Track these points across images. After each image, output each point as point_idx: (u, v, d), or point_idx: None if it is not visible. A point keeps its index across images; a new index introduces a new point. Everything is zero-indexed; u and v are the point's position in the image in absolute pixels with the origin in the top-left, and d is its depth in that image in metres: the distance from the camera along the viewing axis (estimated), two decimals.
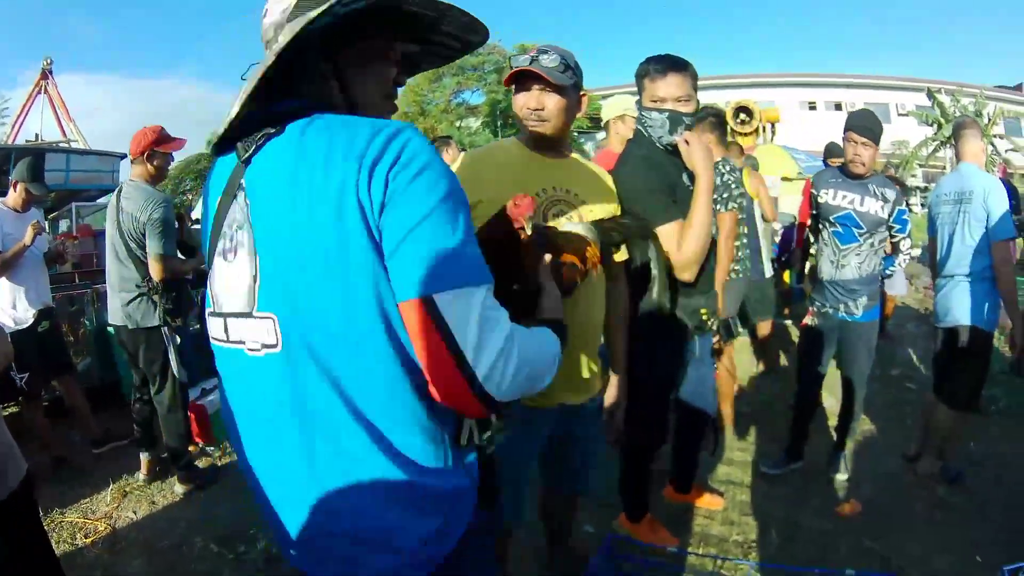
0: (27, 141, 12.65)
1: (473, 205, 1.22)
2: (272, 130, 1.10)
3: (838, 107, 30.63)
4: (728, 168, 3.77)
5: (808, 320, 3.81)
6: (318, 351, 1.04)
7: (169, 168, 4.21)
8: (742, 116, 7.88)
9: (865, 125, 3.46)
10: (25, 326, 4.21)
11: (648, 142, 2.64)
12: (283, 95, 1.15)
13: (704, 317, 2.82)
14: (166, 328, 3.91)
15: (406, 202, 1.00)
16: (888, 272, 3.92)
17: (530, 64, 2.04)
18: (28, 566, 2.13)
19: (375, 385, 1.05)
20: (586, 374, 2.18)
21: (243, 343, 1.12)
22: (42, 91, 15.09)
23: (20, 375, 4.19)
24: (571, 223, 1.63)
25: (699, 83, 2.59)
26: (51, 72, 15.27)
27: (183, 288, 4.14)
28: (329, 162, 1.01)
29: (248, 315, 1.10)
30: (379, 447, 1.06)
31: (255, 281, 1.09)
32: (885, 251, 3.71)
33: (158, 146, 3.91)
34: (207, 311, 1.22)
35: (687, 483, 3.51)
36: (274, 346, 1.07)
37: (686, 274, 2.49)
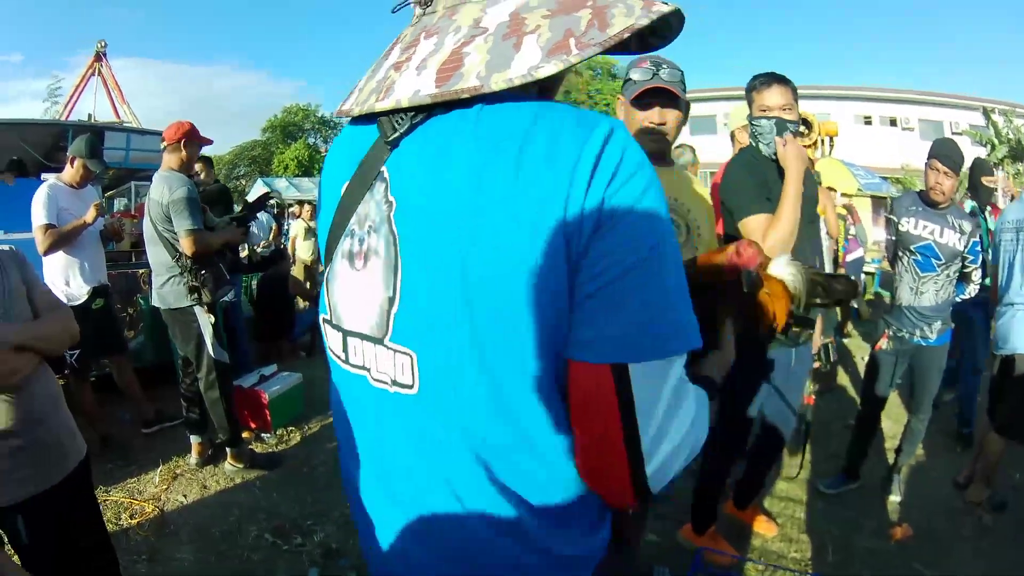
0: (79, 121, 12.83)
1: None
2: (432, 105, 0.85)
3: (893, 123, 30.09)
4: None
5: (883, 344, 3.86)
6: (465, 414, 0.84)
7: (195, 160, 4.21)
8: (801, 128, 7.71)
9: (948, 154, 3.53)
10: (78, 303, 4.20)
11: (753, 150, 2.82)
12: None
13: (797, 330, 2.76)
14: (198, 308, 3.87)
15: (624, 232, 0.77)
16: (959, 299, 3.96)
17: (652, 79, 2.08)
18: (84, 546, 2.13)
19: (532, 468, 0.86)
20: None
21: (367, 371, 0.93)
22: (96, 73, 15.33)
23: (70, 351, 4.17)
24: (781, 265, 1.38)
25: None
26: (105, 55, 15.50)
27: (214, 264, 4.08)
28: (522, 162, 0.77)
29: (378, 341, 0.90)
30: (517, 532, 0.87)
31: (392, 304, 0.87)
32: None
33: (191, 138, 3.95)
34: (322, 316, 1.02)
35: (748, 501, 3.48)
36: (409, 387, 0.87)
37: None
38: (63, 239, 4.10)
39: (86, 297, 4.27)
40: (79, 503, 2.13)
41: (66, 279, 4.21)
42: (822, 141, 10.62)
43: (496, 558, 0.88)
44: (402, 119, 0.87)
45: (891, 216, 3.86)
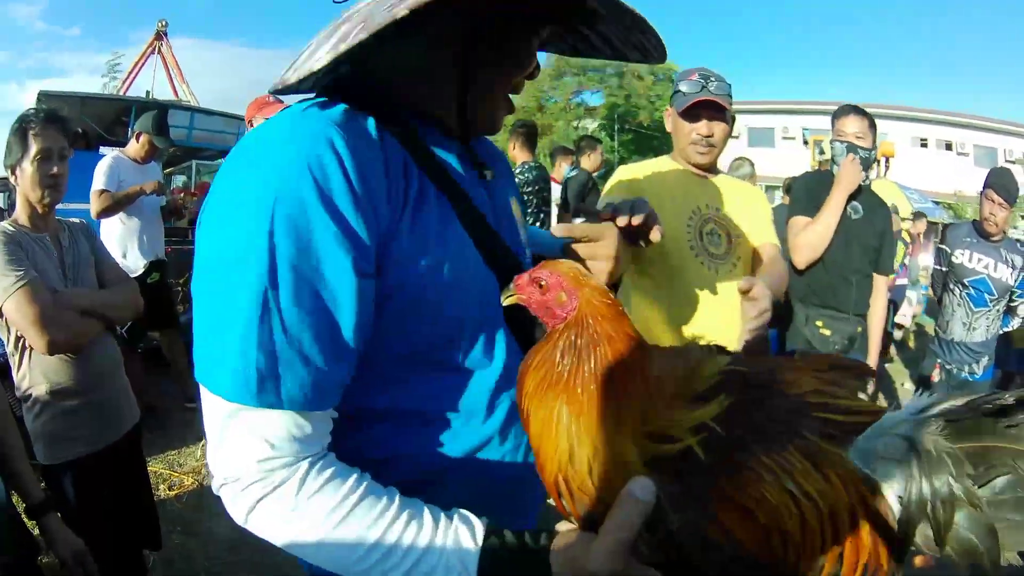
0: (148, 96, 13.08)
1: None
2: None
3: (948, 147, 29.46)
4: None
5: (936, 376, 3.82)
6: None
7: None
8: (872, 154, 7.60)
9: (1004, 184, 3.51)
10: (134, 275, 4.21)
11: (825, 172, 3.21)
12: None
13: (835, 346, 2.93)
14: None
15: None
16: (1003, 331, 3.91)
17: (700, 92, 2.11)
18: (131, 507, 2.22)
19: None
20: None
21: None
22: (155, 51, 15.60)
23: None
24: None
25: (811, 106, 3.70)
26: (166, 34, 15.80)
27: None
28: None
29: None
30: None
31: None
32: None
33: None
34: None
35: None
36: None
37: (797, 255, 2.92)
38: (116, 204, 4.17)
39: (143, 270, 4.35)
40: (129, 467, 2.22)
41: (124, 251, 4.28)
42: (878, 162, 10.49)
43: None
44: None
45: (944, 247, 3.83)
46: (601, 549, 0.66)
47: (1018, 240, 3.68)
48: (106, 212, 4.16)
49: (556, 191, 6.35)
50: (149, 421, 4.30)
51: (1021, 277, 3.57)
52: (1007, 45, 78.33)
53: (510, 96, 0.97)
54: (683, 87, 2.17)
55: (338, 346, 0.75)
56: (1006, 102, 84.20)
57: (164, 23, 16.00)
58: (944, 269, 3.80)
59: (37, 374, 1.98)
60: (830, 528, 0.64)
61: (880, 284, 3.13)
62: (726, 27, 77.59)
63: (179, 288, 5.15)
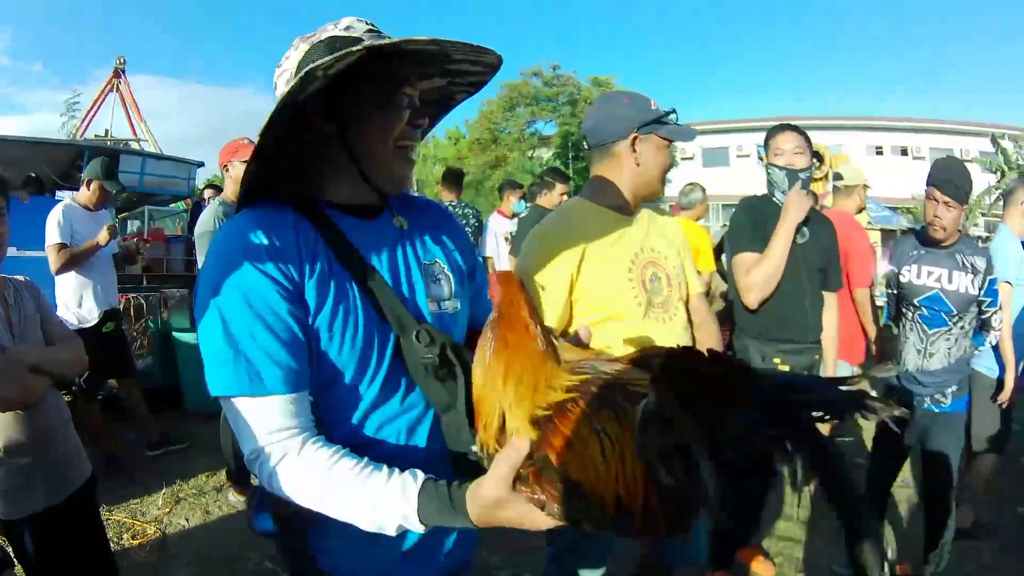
0: (96, 136, 12.97)
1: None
2: None
3: (904, 152, 30.15)
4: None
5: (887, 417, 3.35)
6: None
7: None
8: (813, 160, 7.73)
9: (949, 179, 2.92)
10: (89, 325, 4.25)
11: (763, 197, 2.96)
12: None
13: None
14: None
15: None
16: (979, 351, 3.42)
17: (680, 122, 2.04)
18: (88, 561, 2.19)
19: None
20: None
21: None
22: (114, 89, 15.45)
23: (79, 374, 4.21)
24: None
25: (765, 123, 3.25)
26: (123, 71, 15.64)
27: None
28: None
29: None
30: None
31: None
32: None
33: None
34: None
35: (747, 540, 3.39)
36: None
37: (748, 296, 2.76)
38: (75, 259, 4.14)
39: (97, 320, 4.31)
40: (85, 520, 2.20)
41: (79, 301, 4.25)
42: (836, 176, 10.69)
43: None
44: None
45: (891, 267, 3.27)
46: (492, 476, 0.94)
47: (978, 238, 3.15)
48: (65, 268, 4.14)
49: (506, 225, 6.46)
50: (111, 471, 4.32)
51: (988, 282, 3.00)
52: (955, 47, 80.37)
53: (404, 147, 1.16)
54: (663, 115, 2.02)
55: (291, 344, 1.05)
56: (958, 103, 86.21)
57: (122, 60, 15.85)
58: (895, 292, 3.26)
59: None
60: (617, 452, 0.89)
61: (831, 300, 3.01)
62: (676, 49, 78.76)
63: (135, 335, 5.13)
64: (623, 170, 2.07)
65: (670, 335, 2.00)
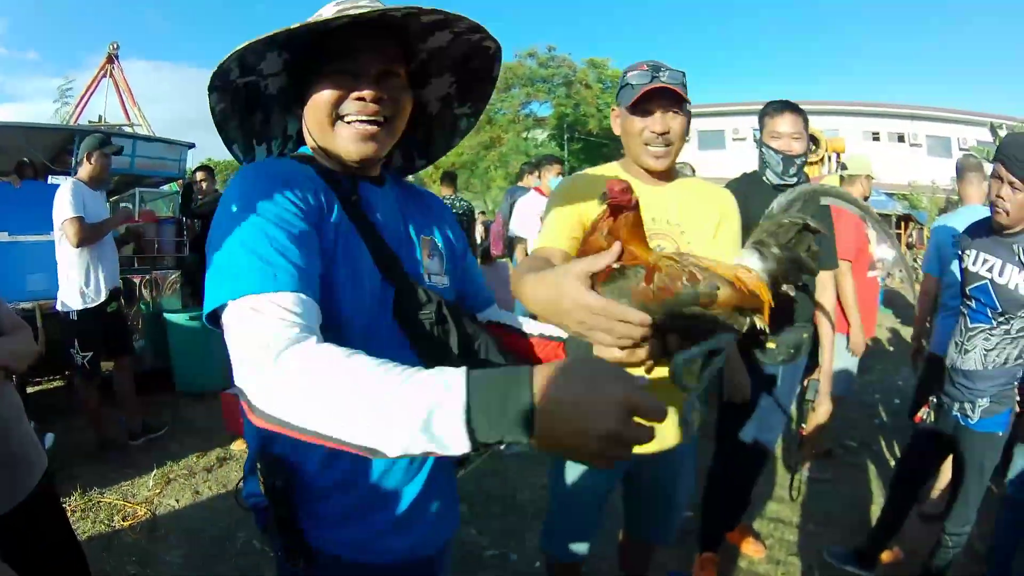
0: (89, 122, 12.88)
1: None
2: None
3: (901, 139, 30.10)
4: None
5: (922, 414, 2.97)
6: None
7: None
8: (809, 144, 7.74)
9: (1014, 154, 2.47)
10: (94, 305, 4.26)
11: (755, 175, 2.99)
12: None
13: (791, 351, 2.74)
14: None
15: None
16: None
17: (651, 81, 1.82)
18: (55, 560, 2.10)
19: None
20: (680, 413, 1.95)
21: None
22: (107, 75, 15.32)
23: (84, 354, 4.23)
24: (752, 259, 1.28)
25: (759, 107, 3.00)
26: (117, 57, 15.50)
27: None
28: None
29: None
30: None
31: None
32: None
33: None
34: None
35: (736, 521, 3.41)
36: None
37: None
38: (97, 232, 4.18)
39: (104, 299, 4.32)
40: (46, 513, 2.09)
41: (87, 280, 4.25)
42: (829, 158, 10.68)
43: None
44: None
45: (960, 251, 2.84)
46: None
47: None
48: (86, 241, 4.16)
49: (543, 204, 6.25)
50: (102, 453, 4.36)
51: None
52: (955, 36, 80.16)
53: (344, 119, 1.16)
54: (632, 79, 1.88)
55: (305, 250, 1.02)
56: (959, 91, 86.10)
57: (115, 46, 15.70)
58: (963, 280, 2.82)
59: None
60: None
61: (824, 280, 2.98)
62: (673, 31, 78.39)
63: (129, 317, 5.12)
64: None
65: None
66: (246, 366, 0.90)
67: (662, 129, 1.86)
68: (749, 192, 2.73)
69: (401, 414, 0.78)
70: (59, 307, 4.27)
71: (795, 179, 2.84)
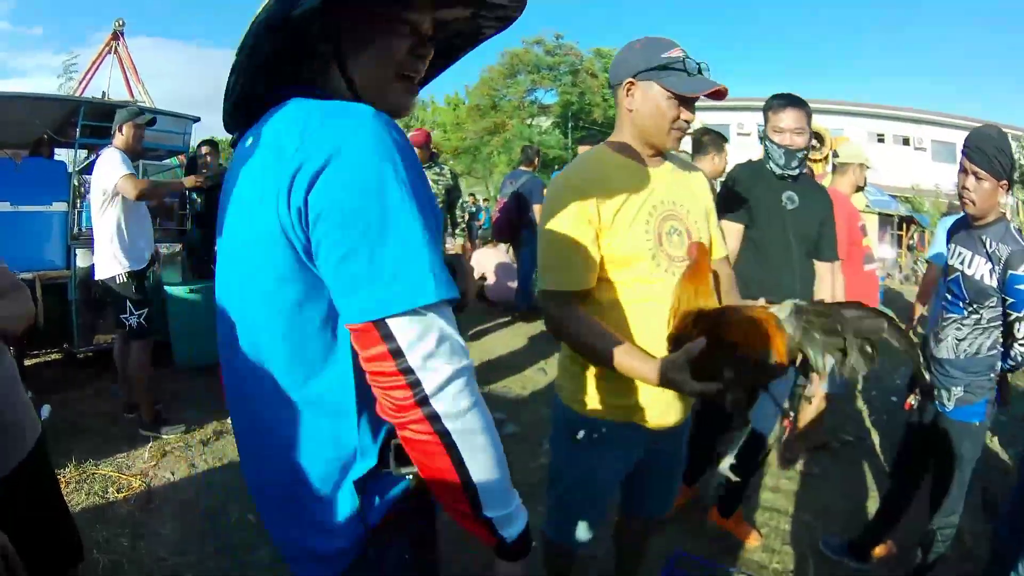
0: (93, 98, 12.84)
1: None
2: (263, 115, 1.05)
3: (905, 142, 30.06)
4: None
5: (912, 400, 3.03)
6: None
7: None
8: (813, 141, 7.72)
9: (978, 146, 2.57)
10: (139, 268, 4.33)
11: (759, 163, 3.11)
12: (292, 78, 1.09)
13: None
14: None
15: (332, 222, 0.92)
16: (1007, 366, 2.68)
17: (707, 77, 1.83)
18: (46, 527, 2.08)
19: None
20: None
21: None
22: (112, 51, 15.25)
23: (139, 312, 4.28)
24: (785, 313, 1.61)
25: (763, 102, 3.09)
26: (122, 33, 15.41)
27: None
28: (266, 163, 0.97)
29: None
30: None
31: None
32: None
33: None
34: None
35: (732, 509, 3.42)
36: None
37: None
38: (156, 191, 4.36)
39: (147, 263, 4.42)
40: (37, 482, 2.06)
41: (134, 243, 4.32)
42: (834, 155, 10.67)
43: None
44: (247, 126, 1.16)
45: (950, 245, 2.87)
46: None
47: (1020, 228, 2.63)
48: (145, 197, 4.26)
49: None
50: (94, 424, 4.40)
51: (1008, 277, 2.51)
52: (965, 44, 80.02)
53: (406, 76, 1.10)
54: (674, 62, 1.82)
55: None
56: (966, 99, 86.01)
57: (121, 22, 15.62)
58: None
59: None
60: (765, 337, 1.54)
61: (824, 272, 3.02)
62: (680, 25, 78.17)
63: None
64: (622, 117, 1.97)
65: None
66: (447, 371, 0.92)
67: (690, 119, 1.88)
68: (754, 177, 3.03)
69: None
70: (100, 276, 4.31)
71: (797, 171, 2.99)
